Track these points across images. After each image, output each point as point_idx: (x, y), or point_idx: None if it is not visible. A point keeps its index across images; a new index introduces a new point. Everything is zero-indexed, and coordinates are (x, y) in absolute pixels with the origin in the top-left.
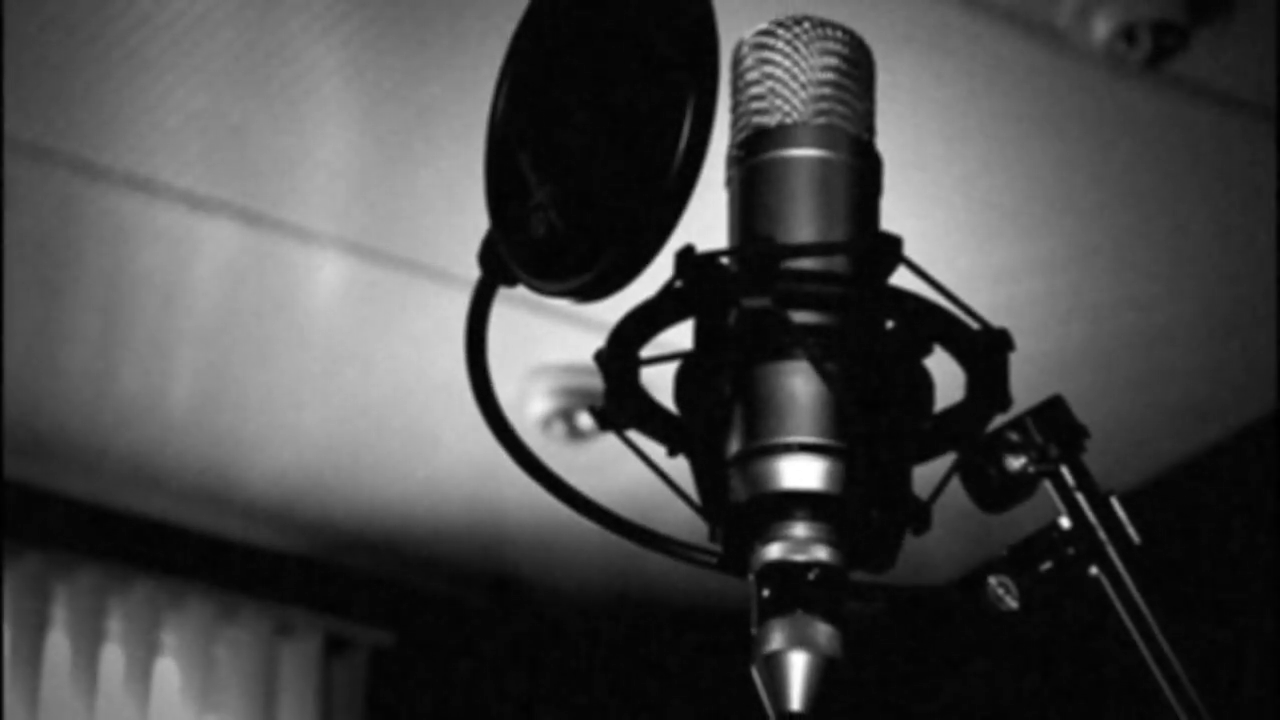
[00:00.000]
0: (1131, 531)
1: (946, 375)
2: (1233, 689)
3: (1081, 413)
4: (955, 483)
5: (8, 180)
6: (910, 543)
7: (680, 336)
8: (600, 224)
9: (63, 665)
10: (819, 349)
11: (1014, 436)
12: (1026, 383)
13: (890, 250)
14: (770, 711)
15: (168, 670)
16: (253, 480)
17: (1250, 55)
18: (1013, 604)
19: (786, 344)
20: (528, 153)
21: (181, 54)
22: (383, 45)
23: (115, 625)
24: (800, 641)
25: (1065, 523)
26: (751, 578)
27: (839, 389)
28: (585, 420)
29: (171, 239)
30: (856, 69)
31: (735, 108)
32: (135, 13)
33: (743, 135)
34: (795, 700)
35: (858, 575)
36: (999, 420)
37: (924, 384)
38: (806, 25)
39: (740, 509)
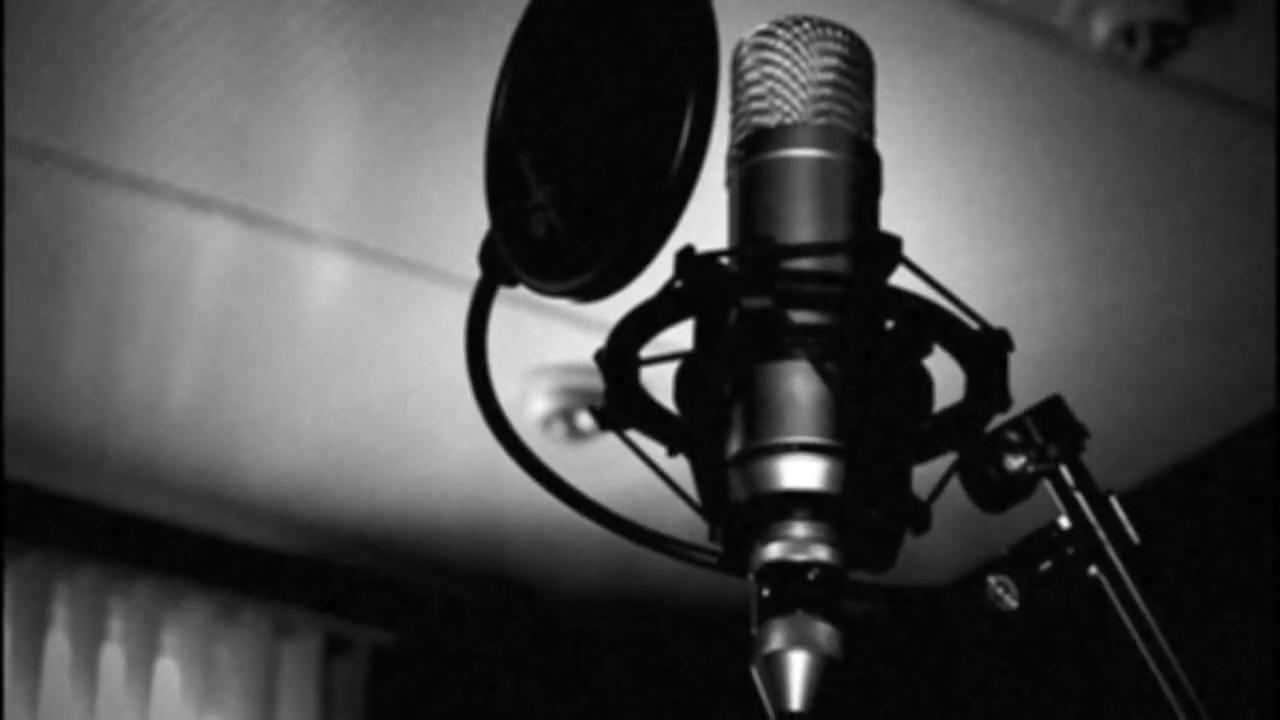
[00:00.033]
0: (1131, 531)
1: (946, 375)
2: (1233, 689)
3: (1081, 413)
4: (955, 483)
5: (8, 180)
6: (910, 543)
7: (680, 336)
8: (600, 224)
9: (63, 665)
10: (819, 349)
11: (1013, 436)
12: (1026, 383)
13: (890, 250)
14: (770, 711)
15: (168, 670)
16: (253, 480)
17: (1250, 55)
18: (1012, 604)
19: (786, 344)
20: (528, 153)
21: (182, 54)
22: (383, 46)
23: (116, 625)
24: (800, 641)
25: (1065, 522)
26: (751, 577)
27: (839, 389)
28: (585, 420)
29: (172, 239)
30: (856, 69)
31: (735, 108)
32: (136, 13)
33: (743, 135)
34: (795, 700)
35: (858, 575)
36: (999, 420)
37: (924, 384)
38: (806, 25)
39: (740, 509)
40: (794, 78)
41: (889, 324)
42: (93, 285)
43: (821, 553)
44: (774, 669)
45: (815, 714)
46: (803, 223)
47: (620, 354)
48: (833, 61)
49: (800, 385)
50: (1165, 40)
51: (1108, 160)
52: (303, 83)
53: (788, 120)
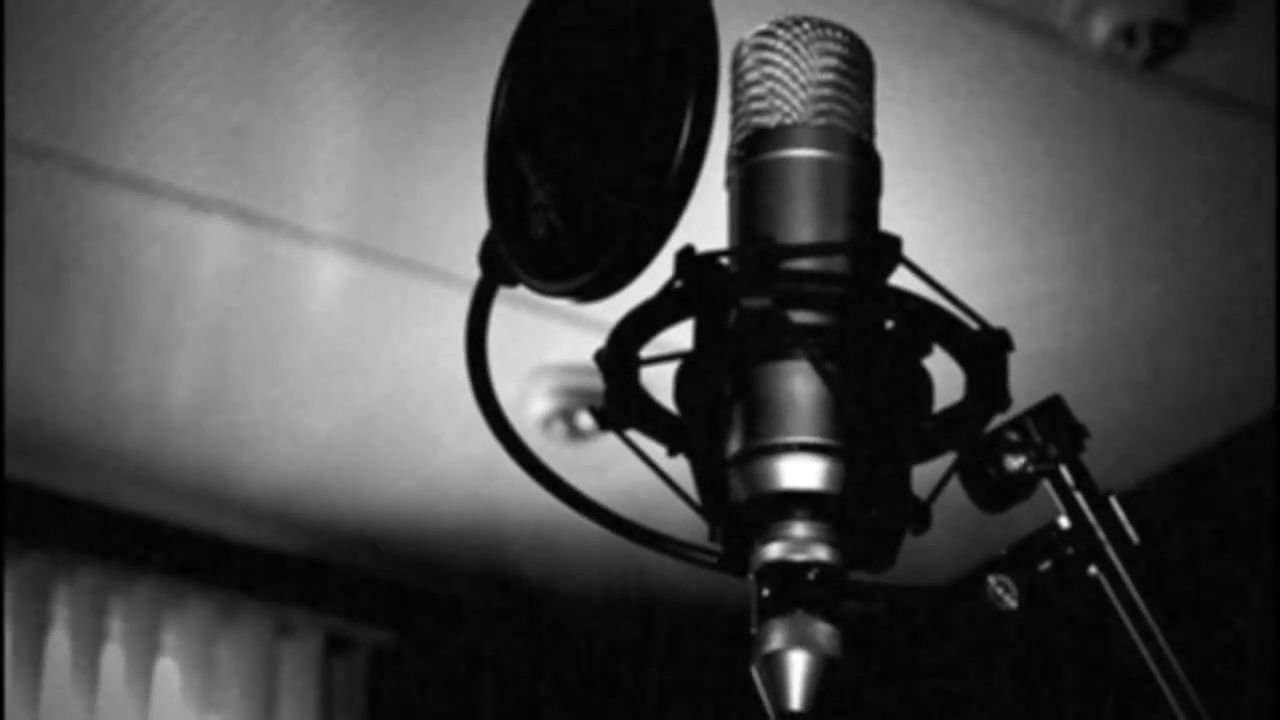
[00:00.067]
0: (1130, 531)
1: (946, 375)
2: (1233, 689)
3: (1081, 413)
4: (955, 482)
5: (8, 180)
6: (910, 543)
7: (680, 336)
8: (600, 224)
9: (64, 665)
10: (819, 349)
11: (1013, 436)
12: (1026, 383)
13: (890, 250)
14: (770, 711)
15: (168, 670)
16: (253, 480)
17: (1249, 55)
18: (1012, 603)
19: (786, 344)
20: (528, 153)
21: (182, 54)
22: (383, 45)
23: (116, 625)
24: (800, 641)
25: (1064, 522)
26: (751, 577)
27: (839, 389)
28: (585, 420)
29: (172, 239)
30: (856, 69)
31: (735, 108)
32: (136, 13)
33: (743, 135)
34: (795, 700)
35: (858, 575)
36: (998, 420)
37: (924, 384)
38: (806, 26)
39: (740, 509)
40: (794, 78)
41: (889, 324)
42: (93, 285)
43: (821, 553)
44: (774, 669)
45: (815, 714)
46: (803, 223)
47: (620, 354)
48: (833, 62)
49: (800, 385)
50: (1165, 40)
51: (1107, 160)
52: (303, 83)
53: (788, 120)
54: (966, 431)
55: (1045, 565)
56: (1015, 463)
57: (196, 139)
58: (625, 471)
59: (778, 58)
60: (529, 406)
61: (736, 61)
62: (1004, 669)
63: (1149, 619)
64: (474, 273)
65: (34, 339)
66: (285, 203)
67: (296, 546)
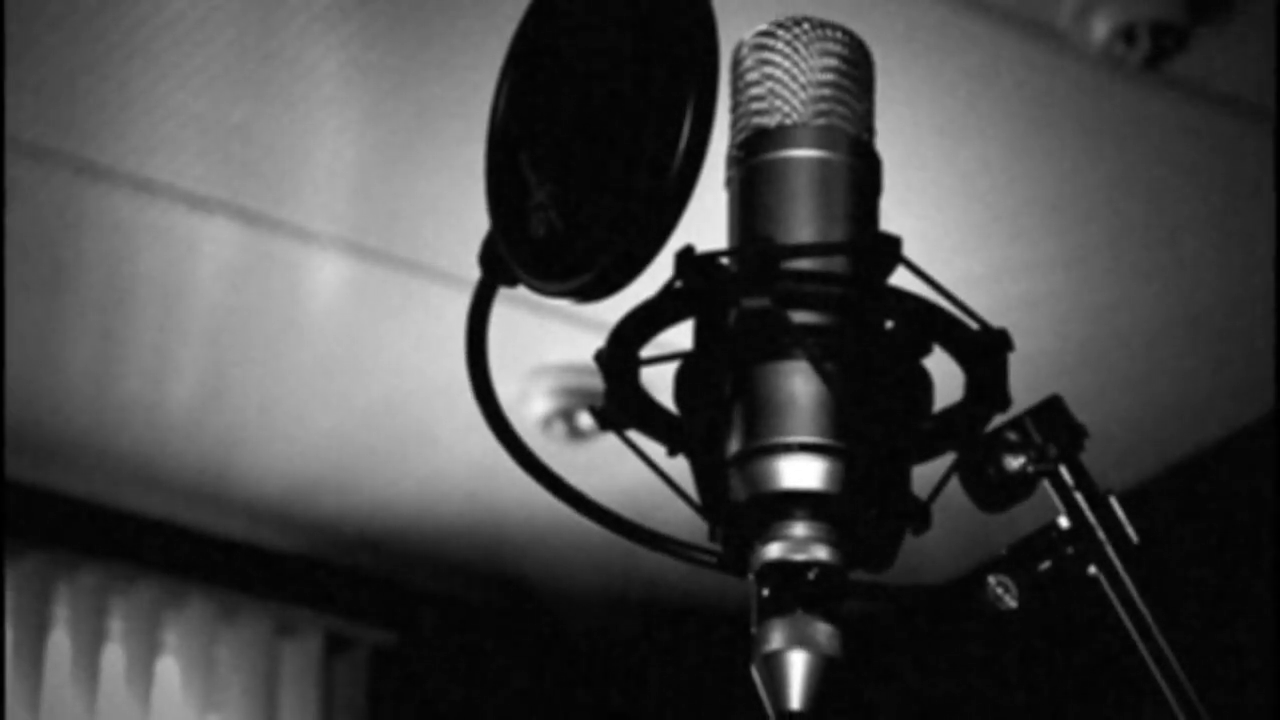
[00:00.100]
0: (1130, 531)
1: (946, 375)
2: (1232, 689)
3: (1080, 412)
4: (955, 482)
5: (9, 180)
6: (910, 543)
7: (680, 336)
8: (600, 224)
9: (64, 664)
10: (819, 349)
11: (1013, 436)
12: (1025, 383)
13: (889, 250)
14: (770, 711)
15: (169, 669)
16: (253, 480)
17: (1249, 56)
18: (1012, 603)
19: (786, 344)
20: (528, 153)
21: (183, 54)
22: (383, 46)
23: (116, 625)
24: (800, 641)
25: (1064, 522)
26: (751, 577)
27: (839, 389)
28: (585, 420)
29: (172, 239)
30: (856, 70)
31: (735, 108)
32: (137, 13)
33: (743, 136)
34: (795, 699)
35: (858, 575)
36: (998, 420)
37: (923, 384)
38: (806, 26)
39: (740, 508)
40: (794, 78)
41: (889, 324)
42: (93, 285)
43: (821, 552)
44: (774, 668)
45: (815, 714)
46: (802, 223)
47: (620, 354)
48: (832, 62)
49: (800, 385)
50: (1165, 41)
51: (1107, 160)
52: (303, 83)
53: (788, 121)
54: (966, 431)
55: (1045, 565)
56: (1015, 463)
57: (196, 139)
58: (625, 471)
59: (778, 58)
60: (529, 406)
61: (736, 61)
62: (1004, 669)
63: (1148, 619)
64: (474, 273)
65: (34, 339)
66: (285, 203)
67: (296, 546)
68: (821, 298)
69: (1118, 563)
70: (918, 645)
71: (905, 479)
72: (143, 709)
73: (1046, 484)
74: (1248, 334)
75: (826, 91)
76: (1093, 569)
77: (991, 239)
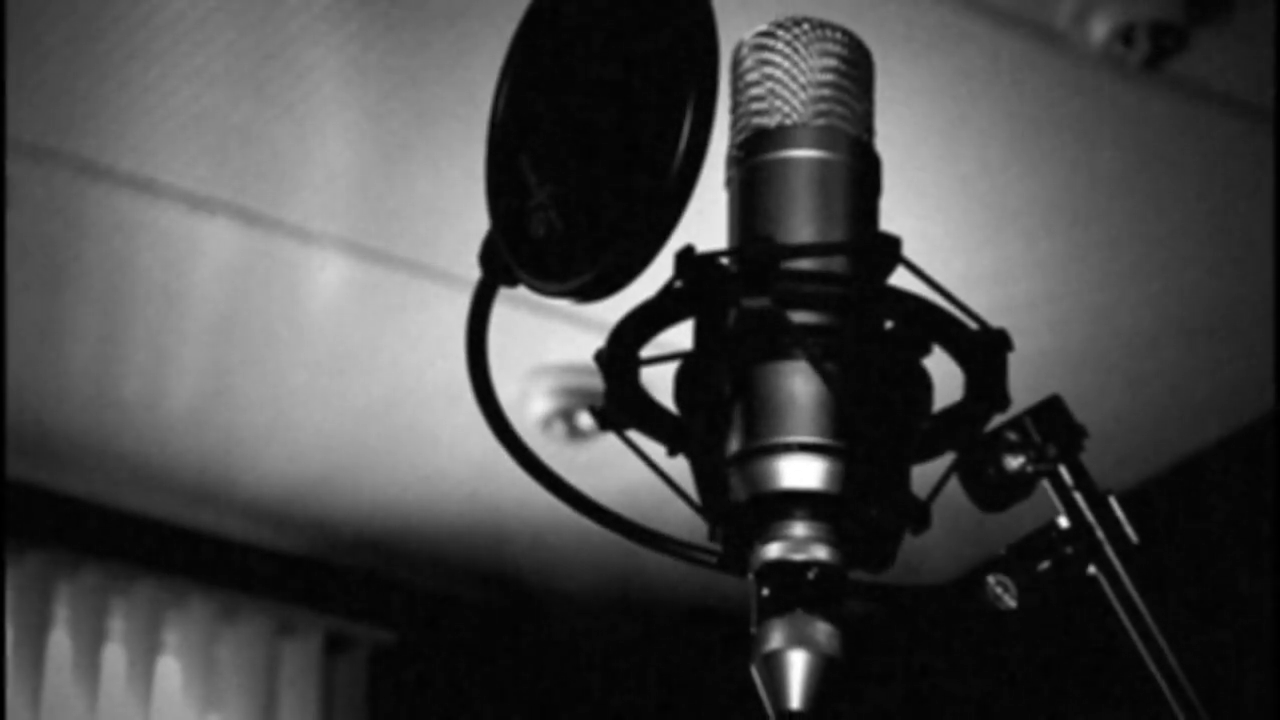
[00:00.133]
0: (1129, 531)
1: (946, 375)
2: (1232, 689)
3: (1080, 412)
4: (954, 482)
5: (10, 181)
6: (910, 542)
7: (680, 336)
8: (600, 224)
9: (65, 664)
10: (819, 349)
11: (1012, 436)
12: (1025, 383)
13: (889, 250)
14: (770, 710)
15: (169, 669)
16: (253, 480)
17: (1248, 56)
18: (1011, 603)
19: (786, 344)
20: (528, 153)
21: (183, 55)
22: (384, 46)
23: (117, 624)
24: (799, 640)
25: (1063, 522)
26: (751, 577)
27: (838, 389)
28: (585, 420)
29: (173, 239)
30: (856, 70)
31: (735, 108)
32: (137, 14)
33: (742, 136)
34: (795, 699)
35: (858, 575)
36: (998, 420)
37: (923, 384)
38: (806, 26)
39: (740, 508)
40: (794, 79)
41: (888, 324)
42: (93, 285)
43: (821, 552)
44: (773, 668)
45: (815, 713)
46: (802, 223)
47: (620, 354)
48: (832, 62)
49: (800, 385)
50: (1164, 41)
51: (1107, 160)
52: (303, 83)
53: (787, 121)
54: (966, 431)
55: (1044, 565)
56: (1014, 462)
57: (197, 139)
58: (625, 471)
59: (777, 58)
60: (529, 406)
61: (736, 62)
62: (1004, 669)
63: (1148, 619)
64: (474, 273)
65: (34, 339)
66: (285, 203)
67: (296, 546)
68: (821, 298)
69: (1117, 563)
70: (918, 645)
71: (905, 479)
72: (143, 708)
73: (1046, 484)
74: (1247, 334)
75: (826, 92)
76: (1092, 569)
77: (991, 239)
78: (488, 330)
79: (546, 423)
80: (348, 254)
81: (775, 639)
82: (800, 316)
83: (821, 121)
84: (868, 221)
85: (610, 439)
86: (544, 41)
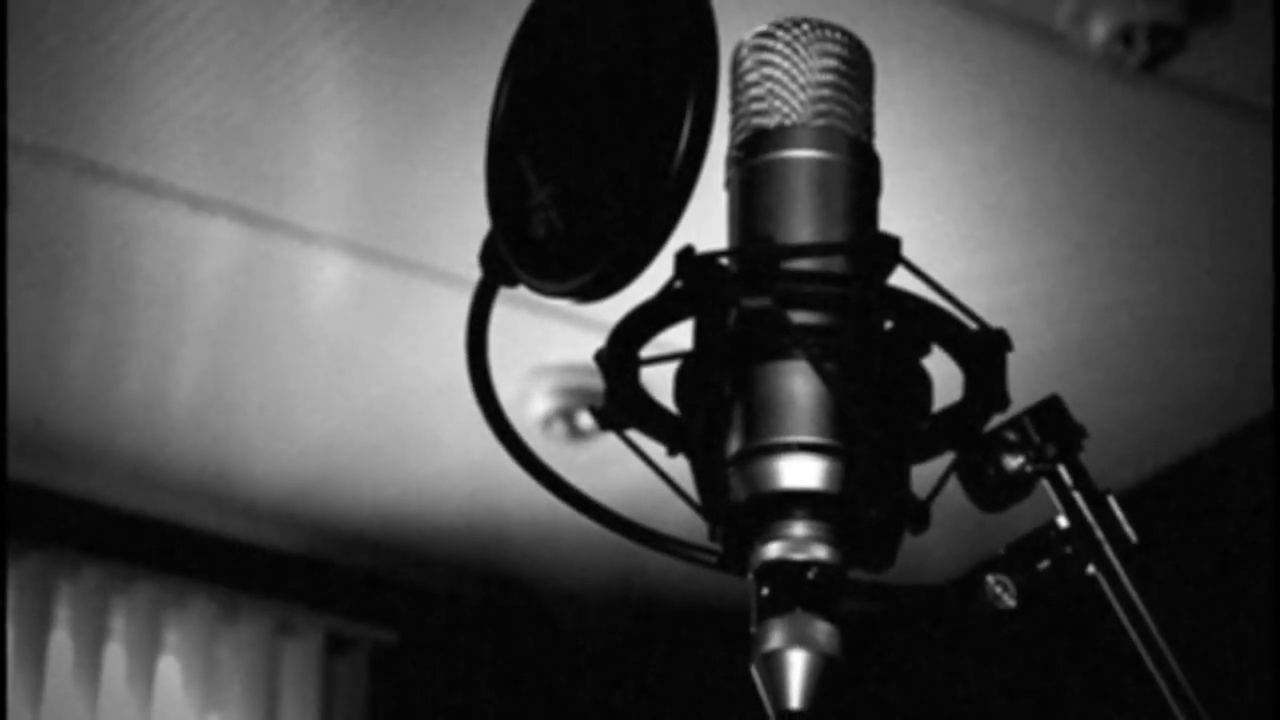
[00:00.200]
0: (1129, 531)
1: (945, 375)
2: (1231, 689)
3: (1079, 412)
4: (954, 482)
5: (10, 181)
6: (909, 542)
7: (680, 336)
8: (600, 224)
9: (66, 664)
10: (818, 349)
11: (1012, 436)
12: (1024, 383)
13: (889, 251)
14: (770, 710)
15: (170, 669)
16: (254, 480)
17: (1247, 57)
18: (1010, 603)
19: (786, 344)
20: (528, 153)
21: (184, 55)
22: (383, 46)
23: (118, 624)
24: (799, 640)
25: (1063, 522)
26: (751, 577)
27: (838, 389)
28: (585, 420)
29: (173, 239)
30: (855, 70)
31: (735, 109)
32: (138, 15)
33: (742, 136)
34: (794, 699)
35: (857, 574)
36: (997, 420)
37: (922, 384)
38: (805, 27)
39: (740, 508)
40: (793, 79)
41: (888, 324)
42: (93, 285)
43: (821, 552)
44: (773, 668)
45: (815, 713)
46: (802, 223)
47: (620, 354)
48: (832, 63)
49: (800, 385)
50: (1163, 42)
51: (1106, 161)
52: (304, 83)
53: (787, 121)
54: (965, 431)
55: (1044, 565)
56: (1014, 462)
57: (197, 139)
58: (625, 471)
59: (777, 59)
60: (529, 406)
61: (736, 62)
62: (1004, 669)
63: (1147, 618)
64: (474, 273)
65: (34, 339)
66: (285, 203)
67: (297, 546)
68: (821, 298)
69: (1116, 562)
70: (918, 645)
71: (905, 479)
72: (144, 708)
73: (1045, 484)
74: (1247, 334)
75: (826, 92)
76: (1091, 568)
77: (990, 240)
78: (488, 330)
79: (546, 423)
80: (348, 254)
81: (775, 639)
82: (800, 316)
83: (821, 122)
84: (867, 221)
85: (610, 439)
86: (544, 41)
